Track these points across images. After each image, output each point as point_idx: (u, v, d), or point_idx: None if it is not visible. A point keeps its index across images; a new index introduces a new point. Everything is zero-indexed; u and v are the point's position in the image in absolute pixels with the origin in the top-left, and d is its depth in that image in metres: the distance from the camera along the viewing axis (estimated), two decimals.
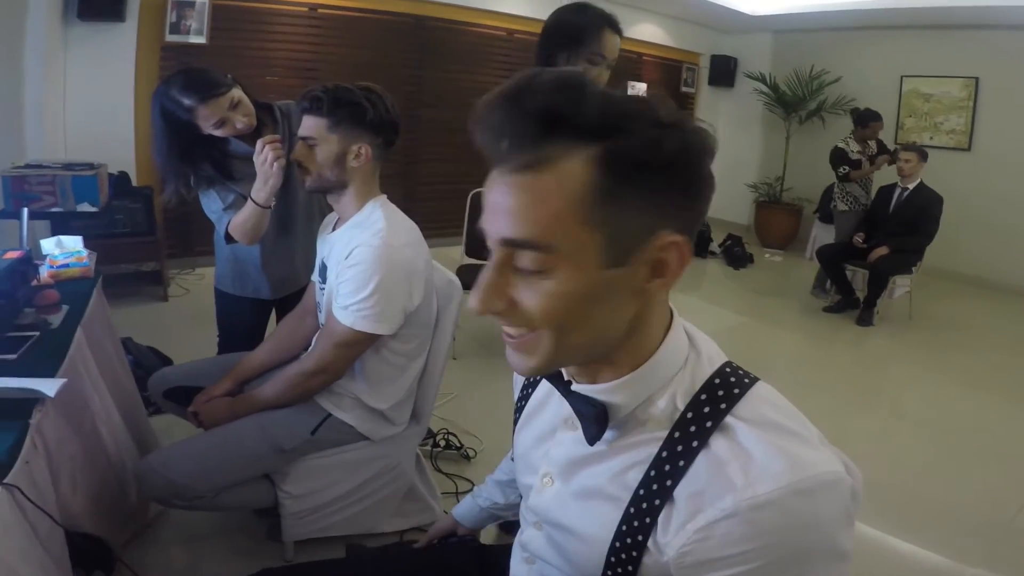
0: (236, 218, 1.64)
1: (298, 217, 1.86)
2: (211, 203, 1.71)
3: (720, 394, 0.60)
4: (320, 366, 1.43)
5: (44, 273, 1.65)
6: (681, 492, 0.58)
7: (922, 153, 4.04)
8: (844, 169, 4.33)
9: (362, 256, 1.35)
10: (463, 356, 3.13)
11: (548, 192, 0.52)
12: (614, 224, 0.53)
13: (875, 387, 3.30)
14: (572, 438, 0.67)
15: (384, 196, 1.49)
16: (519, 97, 0.53)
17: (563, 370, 0.66)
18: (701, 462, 0.58)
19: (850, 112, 4.70)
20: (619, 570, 0.63)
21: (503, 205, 0.54)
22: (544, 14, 5.98)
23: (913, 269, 4.15)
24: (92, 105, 3.60)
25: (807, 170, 5.88)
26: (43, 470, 1.11)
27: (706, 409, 0.60)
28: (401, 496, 1.73)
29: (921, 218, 3.99)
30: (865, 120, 4.37)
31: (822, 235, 5.05)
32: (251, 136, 1.69)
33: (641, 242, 0.55)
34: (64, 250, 1.74)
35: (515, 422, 0.82)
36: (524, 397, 0.81)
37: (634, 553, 0.61)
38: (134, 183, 3.67)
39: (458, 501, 1.95)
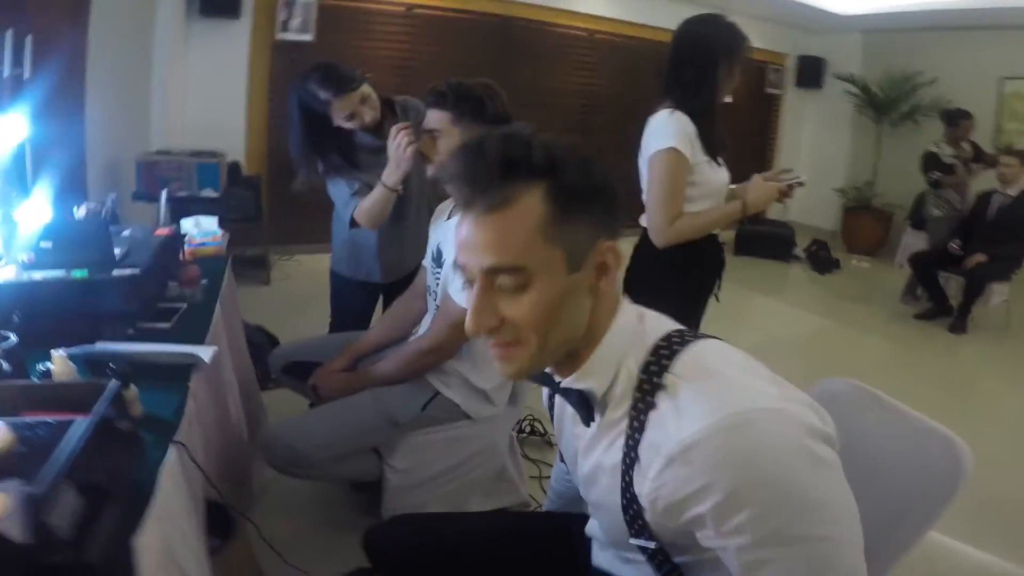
0: (363, 203, 1.75)
1: (412, 207, 1.96)
2: (339, 190, 1.83)
3: (662, 355, 0.70)
4: (435, 345, 1.51)
5: (185, 251, 1.82)
6: (642, 449, 0.68)
7: None
8: (935, 175, 4.12)
9: None
10: None
11: (515, 225, 0.65)
12: (570, 238, 0.67)
13: (966, 394, 3.15)
14: (581, 428, 0.78)
15: None
16: (481, 150, 0.66)
17: (551, 373, 0.77)
18: (652, 419, 0.67)
19: (939, 114, 4.48)
20: (636, 528, 0.72)
21: (480, 241, 0.66)
22: (625, 15, 5.94)
23: (1012, 276, 3.95)
24: (208, 97, 3.88)
25: (899, 175, 5.58)
26: (197, 432, 1.19)
27: (652, 370, 0.69)
28: (493, 477, 1.79)
29: (1022, 226, 3.78)
30: (954, 119, 4.19)
31: (913, 242, 4.84)
32: (374, 129, 1.80)
33: (590, 249, 0.69)
34: (202, 229, 1.91)
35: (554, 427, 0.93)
36: (551, 406, 0.92)
37: (635, 508, 0.71)
38: (244, 172, 3.92)
39: (542, 485, 2.04)
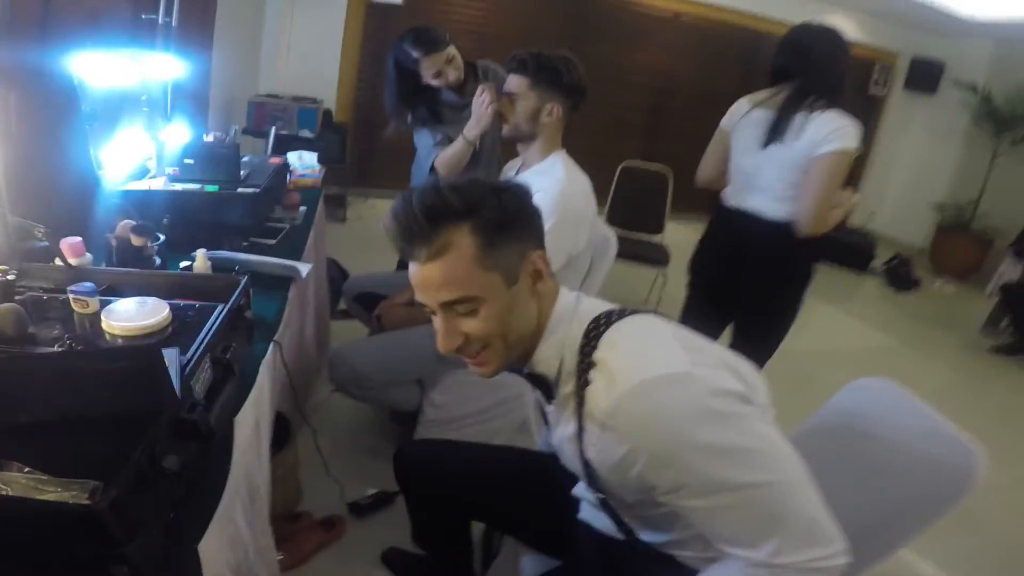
0: (444, 153, 1.95)
1: (484, 160, 2.14)
2: (424, 140, 2.07)
3: (592, 335, 0.82)
4: None
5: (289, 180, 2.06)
6: (585, 420, 0.80)
7: None
8: None
9: (542, 200, 1.49)
10: None
11: (454, 264, 0.77)
12: (503, 261, 0.79)
13: None
14: (550, 407, 0.92)
15: (564, 151, 1.67)
16: (408, 211, 0.76)
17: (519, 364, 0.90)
18: (589, 393, 0.79)
19: None
20: (591, 482, 0.86)
21: (430, 282, 0.79)
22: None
23: None
24: (309, 50, 4.22)
25: (1010, 197, 5.18)
26: (287, 340, 1.33)
27: (585, 350, 0.82)
28: (515, 426, 1.94)
29: None
30: None
31: (1010, 272, 4.53)
32: (458, 88, 2.01)
33: (521, 264, 0.81)
34: (304, 163, 2.16)
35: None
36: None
37: (591, 469, 0.84)
38: (334, 119, 4.22)
39: None
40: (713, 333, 1.86)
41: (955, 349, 4.00)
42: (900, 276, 5.08)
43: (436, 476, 1.22)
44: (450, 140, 1.96)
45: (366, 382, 1.71)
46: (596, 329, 0.82)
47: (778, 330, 1.88)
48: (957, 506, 0.90)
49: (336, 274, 3.01)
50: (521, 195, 0.83)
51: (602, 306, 0.88)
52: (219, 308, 0.95)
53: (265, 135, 3.20)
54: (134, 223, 1.22)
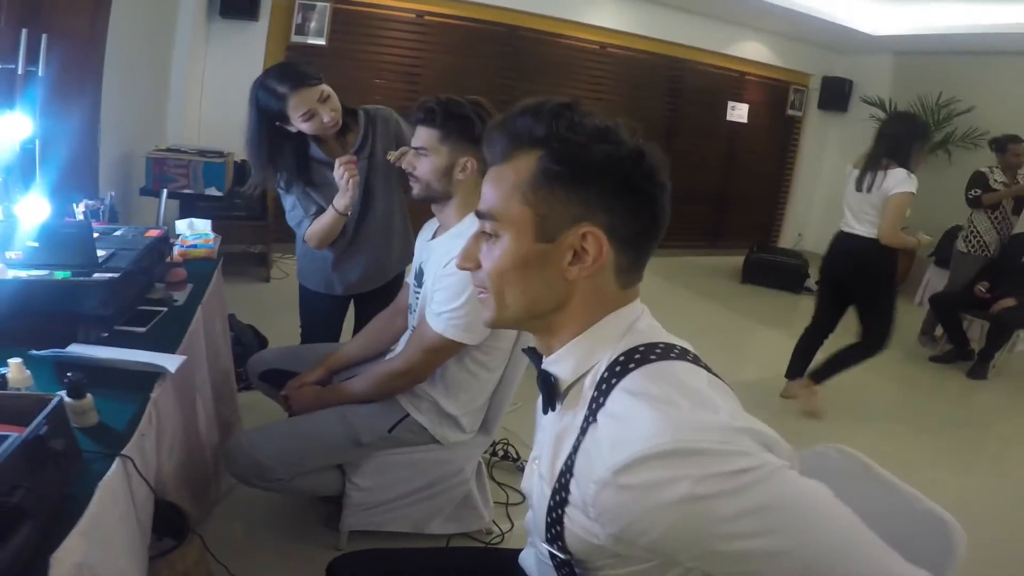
0: (314, 226, 1.76)
1: (372, 227, 1.90)
2: (294, 211, 1.83)
3: (617, 369, 0.68)
4: (407, 367, 1.49)
5: (175, 252, 1.83)
6: (580, 458, 0.67)
7: None
8: (975, 192, 3.97)
9: None
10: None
11: (505, 178, 0.71)
12: (545, 206, 0.69)
13: (979, 443, 3.06)
14: (548, 419, 0.78)
15: None
16: (506, 121, 0.73)
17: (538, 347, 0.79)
18: (589, 438, 0.66)
19: (988, 142, 4.30)
20: (551, 533, 0.72)
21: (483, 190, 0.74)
22: (635, 28, 6.07)
23: None
24: (225, 96, 3.90)
25: (927, 209, 5.33)
26: (152, 441, 1.17)
27: (604, 383, 0.68)
28: (457, 502, 1.75)
29: None
30: (1003, 145, 3.99)
31: (936, 280, 4.73)
32: (334, 140, 1.79)
33: (566, 226, 0.69)
34: (195, 231, 1.93)
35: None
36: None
37: (558, 513, 0.70)
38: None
39: (508, 512, 1.98)
40: (839, 310, 3.15)
41: (896, 362, 4.05)
42: None
43: None
44: (325, 210, 1.75)
45: (269, 474, 1.50)
46: (640, 354, 0.68)
47: (886, 299, 2.95)
48: None
49: (253, 342, 2.76)
50: (627, 161, 0.69)
51: (664, 335, 0.74)
52: (8, 441, 0.73)
53: (169, 196, 2.93)
54: None
